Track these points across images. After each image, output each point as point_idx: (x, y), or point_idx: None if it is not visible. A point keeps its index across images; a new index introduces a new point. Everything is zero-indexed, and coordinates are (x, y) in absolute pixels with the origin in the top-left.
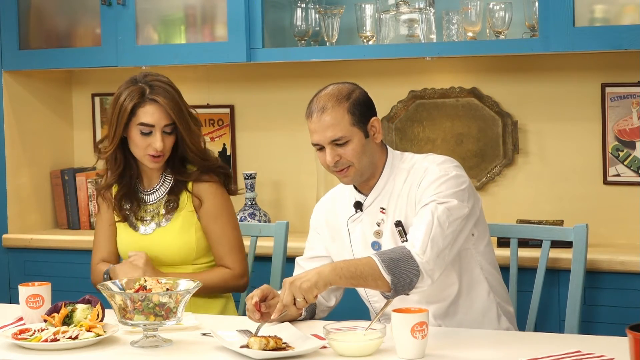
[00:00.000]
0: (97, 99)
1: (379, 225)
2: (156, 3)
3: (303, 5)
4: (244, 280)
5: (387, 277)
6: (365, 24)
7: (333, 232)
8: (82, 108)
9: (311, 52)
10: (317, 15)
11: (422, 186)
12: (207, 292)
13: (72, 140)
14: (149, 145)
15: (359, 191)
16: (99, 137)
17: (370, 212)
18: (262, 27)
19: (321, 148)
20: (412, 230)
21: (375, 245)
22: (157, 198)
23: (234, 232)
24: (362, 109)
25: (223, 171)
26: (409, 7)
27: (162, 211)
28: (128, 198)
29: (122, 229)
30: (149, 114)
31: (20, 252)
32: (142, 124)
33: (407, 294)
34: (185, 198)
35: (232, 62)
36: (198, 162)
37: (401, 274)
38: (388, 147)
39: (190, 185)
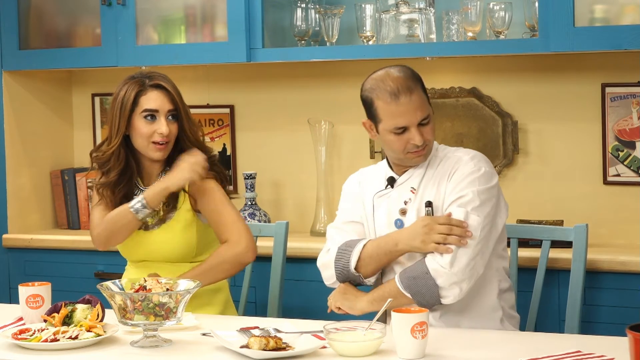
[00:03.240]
0: (97, 99)
1: (405, 204)
2: (156, 3)
3: (303, 5)
4: (241, 246)
5: (409, 295)
6: (365, 24)
7: (363, 203)
8: (82, 108)
9: (311, 52)
10: (317, 15)
11: (454, 179)
12: (212, 278)
13: (72, 140)
14: (154, 132)
15: (393, 170)
16: (99, 137)
17: (401, 190)
18: (262, 27)
19: (402, 131)
20: None
21: (398, 222)
22: None
23: (226, 207)
24: (424, 87)
25: (218, 169)
26: (409, 7)
27: (161, 211)
28: (127, 199)
29: None
30: (152, 99)
31: (20, 252)
32: (146, 110)
33: (441, 304)
34: (182, 197)
35: (232, 62)
36: None
37: (420, 291)
38: None
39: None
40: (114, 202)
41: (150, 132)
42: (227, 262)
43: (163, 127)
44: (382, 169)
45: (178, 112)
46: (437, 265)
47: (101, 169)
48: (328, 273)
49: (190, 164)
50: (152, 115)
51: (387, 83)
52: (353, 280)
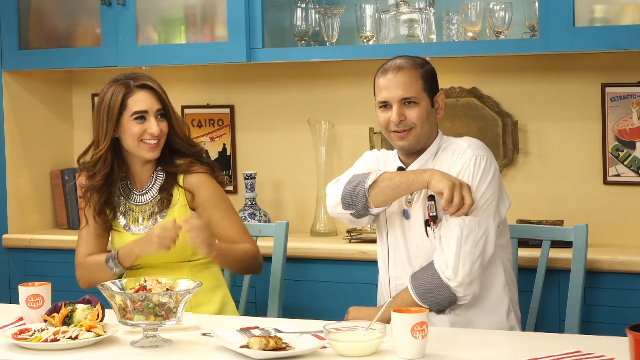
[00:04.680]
0: (97, 99)
1: (411, 195)
2: (156, 3)
3: (303, 5)
4: (262, 258)
5: (427, 307)
6: (365, 24)
7: None
8: (82, 108)
9: (311, 52)
10: (317, 15)
11: (454, 168)
12: (237, 264)
13: (72, 140)
14: (145, 132)
15: (402, 162)
16: None
17: None
18: (262, 27)
19: (385, 106)
20: (444, 239)
21: (406, 214)
22: (151, 198)
23: (236, 215)
24: (432, 80)
25: (207, 160)
26: (409, 7)
27: (156, 209)
28: (107, 205)
29: (115, 235)
30: (140, 101)
31: (20, 252)
32: (135, 112)
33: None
34: (177, 194)
35: (232, 62)
36: (186, 149)
37: (438, 301)
38: (439, 129)
39: (181, 179)
40: (97, 208)
41: (141, 132)
42: (251, 262)
43: (154, 127)
44: (395, 158)
45: (166, 111)
46: (445, 277)
47: (88, 173)
48: (334, 195)
49: (158, 237)
50: (142, 116)
51: (387, 62)
52: (356, 207)
